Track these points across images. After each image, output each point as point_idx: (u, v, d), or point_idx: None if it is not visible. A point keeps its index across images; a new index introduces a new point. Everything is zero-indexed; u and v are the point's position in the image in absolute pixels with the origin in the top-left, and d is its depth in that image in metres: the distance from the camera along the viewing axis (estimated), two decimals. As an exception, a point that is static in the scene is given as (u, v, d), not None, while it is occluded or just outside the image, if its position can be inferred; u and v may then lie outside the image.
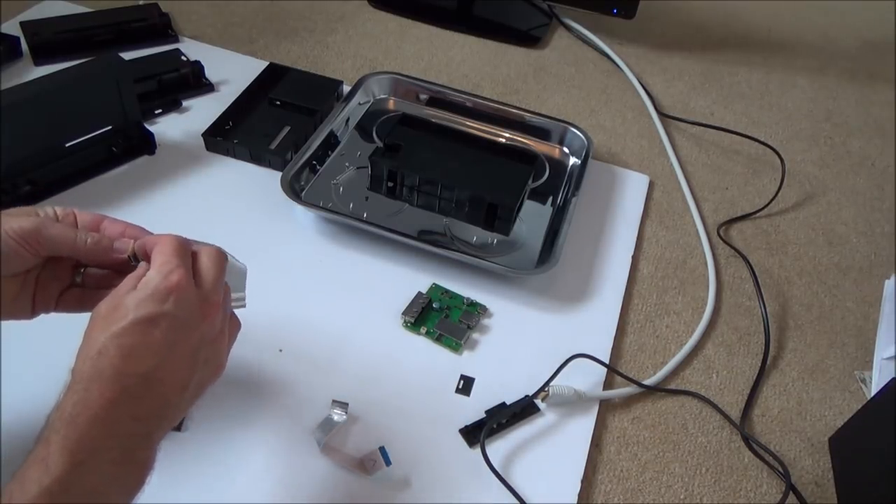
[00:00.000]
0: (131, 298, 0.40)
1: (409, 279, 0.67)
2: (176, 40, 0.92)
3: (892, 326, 0.70)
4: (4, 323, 0.57)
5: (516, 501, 0.53)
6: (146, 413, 0.40)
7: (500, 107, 0.86)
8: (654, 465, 0.58)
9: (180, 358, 0.41)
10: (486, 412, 0.58)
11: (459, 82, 0.96)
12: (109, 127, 0.72)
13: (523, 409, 0.59)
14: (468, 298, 0.66)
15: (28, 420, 0.52)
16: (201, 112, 0.81)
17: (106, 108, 0.71)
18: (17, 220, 0.43)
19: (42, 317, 0.58)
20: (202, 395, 0.44)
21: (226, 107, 0.81)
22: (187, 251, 0.43)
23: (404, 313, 0.64)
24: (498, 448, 0.56)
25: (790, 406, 0.65)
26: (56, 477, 0.35)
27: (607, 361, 0.63)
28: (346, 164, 0.78)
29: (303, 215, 0.72)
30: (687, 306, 0.71)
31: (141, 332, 0.39)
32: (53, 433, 0.37)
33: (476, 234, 0.73)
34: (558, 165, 0.83)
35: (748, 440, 0.60)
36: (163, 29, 0.92)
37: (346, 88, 0.87)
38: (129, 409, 0.39)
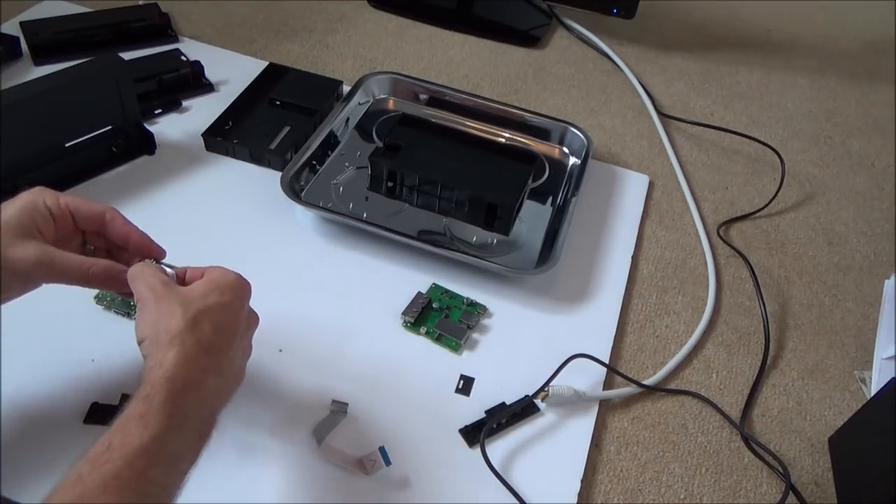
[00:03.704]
0: (212, 284, 0.45)
1: (409, 279, 0.67)
2: (176, 40, 0.92)
3: (892, 326, 0.70)
4: (5, 323, 0.57)
5: (516, 501, 0.53)
6: (220, 387, 0.44)
7: (500, 107, 0.86)
8: (653, 465, 0.58)
9: (242, 349, 0.47)
10: (486, 412, 0.58)
11: (459, 82, 0.96)
12: (109, 127, 0.72)
13: (523, 409, 0.59)
14: (468, 298, 0.66)
15: (28, 420, 0.52)
16: (201, 112, 0.81)
17: (106, 108, 0.71)
18: (25, 248, 0.45)
19: (41, 320, 0.59)
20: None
21: (226, 107, 0.81)
22: None
23: (404, 313, 0.64)
24: (498, 448, 0.56)
25: (790, 406, 0.65)
26: (154, 435, 0.38)
27: (607, 361, 0.63)
28: (346, 164, 0.78)
29: (302, 215, 0.72)
30: (687, 306, 0.71)
31: (226, 314, 0.45)
32: (156, 392, 0.40)
33: (476, 234, 0.73)
34: (558, 165, 0.83)
35: (748, 440, 0.60)
36: (163, 29, 0.92)
37: (346, 88, 0.87)
38: (213, 380, 0.43)
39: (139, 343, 0.44)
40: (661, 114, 0.95)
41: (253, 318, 0.50)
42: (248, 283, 0.48)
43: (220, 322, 0.44)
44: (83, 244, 0.51)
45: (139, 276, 0.46)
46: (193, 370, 0.42)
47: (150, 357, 0.42)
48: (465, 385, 0.60)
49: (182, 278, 0.48)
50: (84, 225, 0.49)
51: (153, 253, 0.50)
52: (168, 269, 0.48)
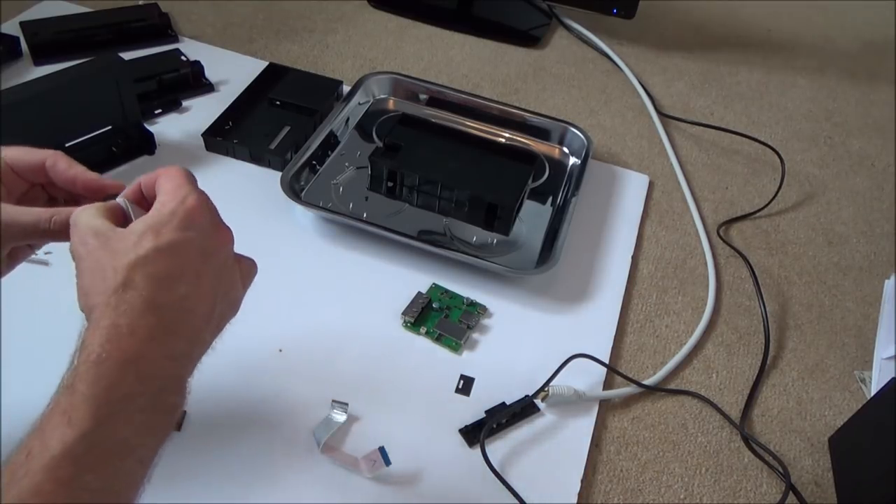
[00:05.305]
0: (147, 224, 0.37)
1: (409, 279, 0.67)
2: (176, 40, 0.92)
3: (892, 326, 0.70)
4: (5, 322, 0.57)
5: (516, 501, 0.53)
6: (179, 350, 0.37)
7: (500, 107, 0.86)
8: (653, 465, 0.58)
9: (206, 286, 0.39)
10: (486, 412, 0.58)
11: (459, 82, 0.96)
12: (109, 127, 0.72)
13: (523, 409, 0.59)
14: (468, 298, 0.66)
15: (29, 421, 0.52)
16: (201, 112, 0.81)
17: (106, 108, 0.71)
18: None
19: (43, 319, 0.59)
20: (221, 334, 0.42)
21: (226, 107, 0.81)
22: (195, 179, 0.41)
23: (404, 313, 0.64)
24: (498, 448, 0.56)
25: (790, 406, 0.65)
26: (81, 433, 0.32)
27: (607, 361, 0.63)
28: (346, 164, 0.78)
29: (303, 215, 0.72)
30: (687, 306, 0.71)
31: (167, 259, 0.37)
32: (80, 381, 0.33)
33: (476, 234, 0.73)
34: (558, 165, 0.83)
35: (748, 440, 0.60)
36: (163, 29, 0.92)
37: (346, 88, 0.87)
38: (162, 346, 0.36)
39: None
40: (661, 114, 0.95)
41: (220, 237, 0.40)
42: (199, 203, 0.39)
43: (162, 272, 0.36)
44: (50, 201, 0.46)
45: (74, 225, 0.39)
46: (130, 342, 0.35)
47: (81, 336, 0.36)
48: (465, 385, 0.60)
49: (139, 195, 0.41)
50: (30, 177, 0.44)
51: (107, 191, 0.43)
52: (120, 200, 0.41)
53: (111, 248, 0.37)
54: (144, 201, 0.41)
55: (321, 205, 0.72)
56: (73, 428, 0.32)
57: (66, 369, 0.35)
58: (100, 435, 0.33)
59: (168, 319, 0.37)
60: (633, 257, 0.75)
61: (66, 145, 0.70)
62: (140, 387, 0.35)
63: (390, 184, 0.74)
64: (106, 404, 0.33)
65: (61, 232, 0.41)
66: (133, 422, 0.34)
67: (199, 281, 0.38)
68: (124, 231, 0.38)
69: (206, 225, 0.39)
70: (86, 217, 0.39)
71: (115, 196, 0.42)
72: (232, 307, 0.42)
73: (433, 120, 0.84)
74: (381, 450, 0.52)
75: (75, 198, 0.45)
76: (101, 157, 0.73)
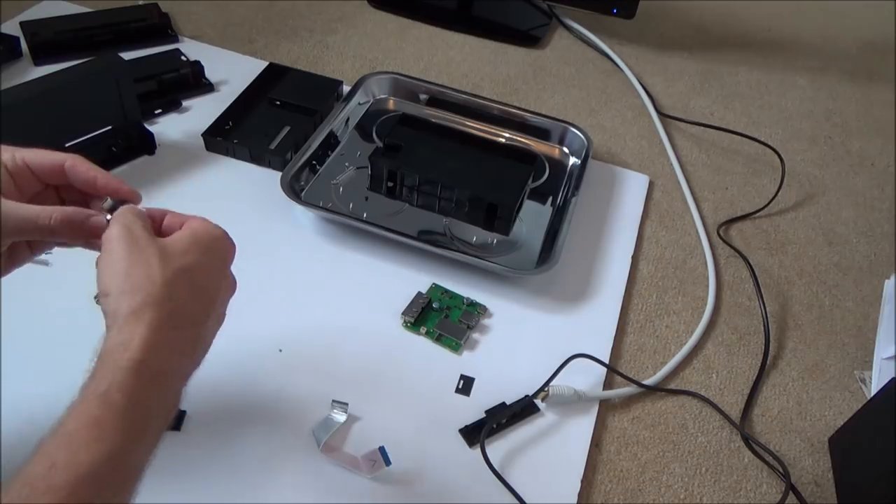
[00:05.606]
0: (196, 238, 0.40)
1: (409, 279, 0.67)
2: (176, 40, 0.92)
3: (892, 326, 0.70)
4: (5, 322, 0.57)
5: (516, 501, 0.53)
6: (191, 368, 0.39)
7: (500, 107, 0.86)
8: (653, 465, 0.58)
9: (219, 314, 0.42)
10: (486, 412, 0.58)
11: (459, 82, 0.96)
12: (109, 127, 0.72)
13: (523, 409, 0.59)
14: (468, 298, 0.66)
15: (29, 422, 0.52)
16: (201, 112, 0.81)
17: (106, 108, 0.71)
18: None
19: (41, 321, 0.59)
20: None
21: (226, 107, 0.81)
22: None
23: (404, 313, 0.64)
24: (498, 448, 0.56)
25: (790, 406, 0.65)
26: (110, 451, 0.32)
27: (607, 361, 0.63)
28: (346, 164, 0.78)
29: (303, 215, 0.72)
30: (687, 306, 0.71)
31: (205, 276, 0.39)
32: (117, 387, 0.33)
33: (476, 234, 0.73)
34: (558, 165, 0.83)
35: (748, 440, 0.60)
36: (163, 29, 0.92)
37: (346, 88, 0.87)
38: (181, 363, 0.37)
39: (102, 297, 0.37)
40: (661, 114, 0.95)
41: (233, 285, 0.44)
42: (234, 245, 0.43)
43: (199, 286, 0.39)
44: (60, 202, 0.46)
45: (116, 217, 0.40)
46: (164, 354, 0.35)
47: (115, 324, 0.35)
48: (465, 385, 0.60)
49: (158, 223, 0.43)
50: (46, 178, 0.44)
51: (123, 195, 0.44)
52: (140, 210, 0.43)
53: (159, 243, 0.38)
54: (155, 226, 0.43)
55: (321, 205, 0.72)
56: (105, 443, 0.32)
57: (94, 357, 0.35)
58: (126, 454, 0.33)
59: (189, 337, 0.38)
60: (633, 257, 0.75)
61: (66, 145, 0.70)
62: (159, 405, 0.35)
63: (390, 184, 0.74)
64: (138, 421, 0.34)
65: (62, 230, 0.41)
66: (147, 445, 0.35)
67: (217, 307, 0.41)
68: (170, 238, 0.40)
69: (230, 262, 0.43)
70: (131, 213, 0.41)
71: (126, 202, 0.44)
72: (214, 336, 0.43)
73: (433, 120, 0.84)
74: (381, 450, 0.52)
75: (86, 201, 0.46)
76: (101, 157, 0.73)
